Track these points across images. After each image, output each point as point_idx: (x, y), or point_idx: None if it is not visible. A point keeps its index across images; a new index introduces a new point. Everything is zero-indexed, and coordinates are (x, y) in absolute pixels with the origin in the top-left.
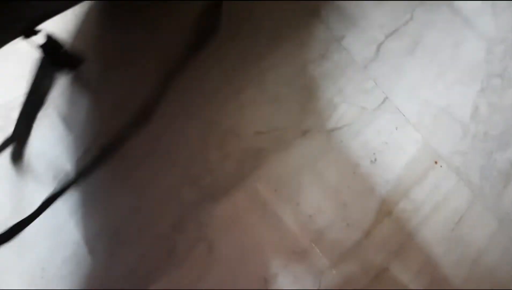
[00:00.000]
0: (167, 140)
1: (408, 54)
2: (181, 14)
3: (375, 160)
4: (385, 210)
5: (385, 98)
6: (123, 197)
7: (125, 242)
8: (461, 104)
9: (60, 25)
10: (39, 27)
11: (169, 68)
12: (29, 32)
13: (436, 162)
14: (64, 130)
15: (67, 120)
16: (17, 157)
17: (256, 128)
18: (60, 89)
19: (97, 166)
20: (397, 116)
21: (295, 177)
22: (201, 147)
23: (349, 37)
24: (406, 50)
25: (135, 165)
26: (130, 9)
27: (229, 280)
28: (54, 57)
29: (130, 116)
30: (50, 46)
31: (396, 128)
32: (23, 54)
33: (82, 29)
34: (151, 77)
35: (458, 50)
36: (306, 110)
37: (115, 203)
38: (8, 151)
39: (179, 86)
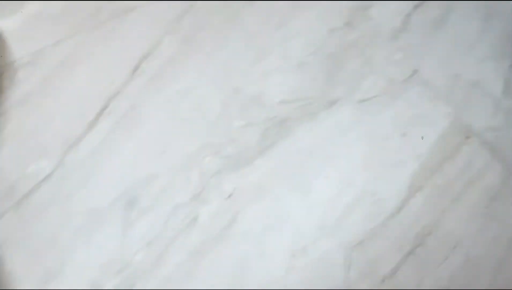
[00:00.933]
0: (187, 106)
1: (437, 26)
2: None
3: (406, 133)
4: (417, 184)
5: (415, 71)
6: (139, 162)
7: (143, 210)
8: (493, 79)
9: None
10: None
11: None
12: None
13: (468, 137)
14: None
15: None
16: None
17: (280, 97)
18: None
19: None
20: (427, 89)
21: (323, 149)
22: (223, 114)
23: (376, 7)
24: (435, 22)
25: (152, 130)
26: None
27: (254, 252)
28: None
29: None
30: None
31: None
32: None
33: None
34: None
35: (488, 24)
36: (333, 80)
37: (130, 167)
38: None
39: (200, 51)
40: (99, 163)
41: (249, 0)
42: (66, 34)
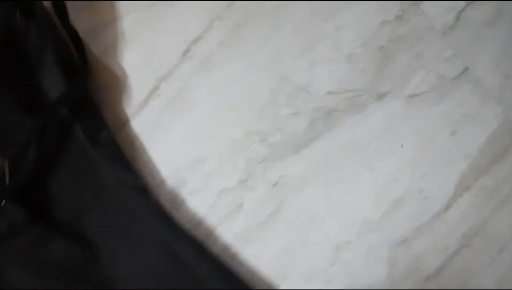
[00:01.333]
0: (235, 92)
1: (490, 25)
2: None
3: (455, 131)
4: (465, 184)
5: (466, 68)
6: (188, 144)
7: (189, 193)
8: None
9: None
10: None
11: None
12: None
13: None
14: None
15: None
16: None
17: (329, 88)
18: None
19: None
20: (478, 87)
21: (371, 142)
22: (271, 102)
23: (429, 1)
24: (488, 20)
25: (201, 114)
26: None
27: (298, 241)
28: None
29: None
30: None
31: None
32: None
33: None
34: None
35: None
36: (383, 73)
37: (179, 150)
38: None
39: (249, 38)
40: (148, 143)
41: None
42: (116, 15)
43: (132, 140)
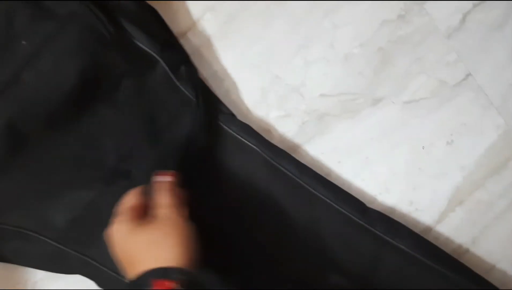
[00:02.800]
0: (223, 89)
1: (497, 29)
2: None
3: (452, 141)
4: (458, 198)
5: (468, 75)
6: None
7: None
8: None
9: None
10: None
11: None
12: None
13: None
14: None
15: None
16: None
17: (322, 90)
18: None
19: None
20: (479, 96)
21: (362, 150)
22: (260, 103)
23: (433, 1)
24: (495, 24)
25: None
26: None
27: None
28: None
29: None
30: None
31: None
32: None
33: None
34: None
35: None
36: (380, 77)
37: None
38: None
39: (241, 33)
40: None
41: None
42: None
43: None
